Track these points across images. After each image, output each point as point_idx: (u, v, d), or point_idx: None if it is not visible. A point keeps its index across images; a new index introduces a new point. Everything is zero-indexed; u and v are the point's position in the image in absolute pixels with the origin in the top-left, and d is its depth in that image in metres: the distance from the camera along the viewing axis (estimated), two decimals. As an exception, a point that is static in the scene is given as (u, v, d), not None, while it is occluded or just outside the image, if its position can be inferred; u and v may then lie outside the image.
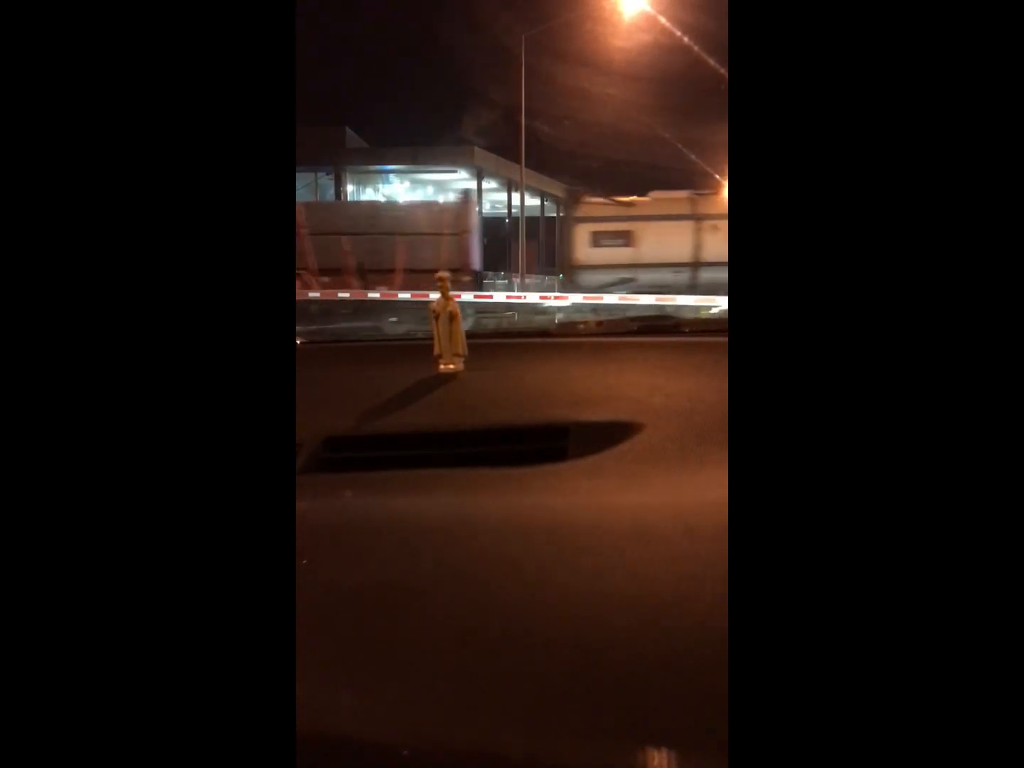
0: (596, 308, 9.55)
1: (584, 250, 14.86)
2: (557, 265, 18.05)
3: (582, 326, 1.49)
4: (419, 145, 21.76)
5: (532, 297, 10.70)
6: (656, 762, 0.38)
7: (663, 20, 16.64)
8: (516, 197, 19.11)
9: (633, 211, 14.69)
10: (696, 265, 14.24)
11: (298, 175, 17.37)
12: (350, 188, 21.78)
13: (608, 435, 0.86)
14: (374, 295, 10.88)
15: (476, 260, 14.99)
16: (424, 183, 23.69)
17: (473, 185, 21.36)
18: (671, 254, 14.16)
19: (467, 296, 9.87)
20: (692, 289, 12.15)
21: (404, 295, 10.44)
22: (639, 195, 15.05)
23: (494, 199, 23.69)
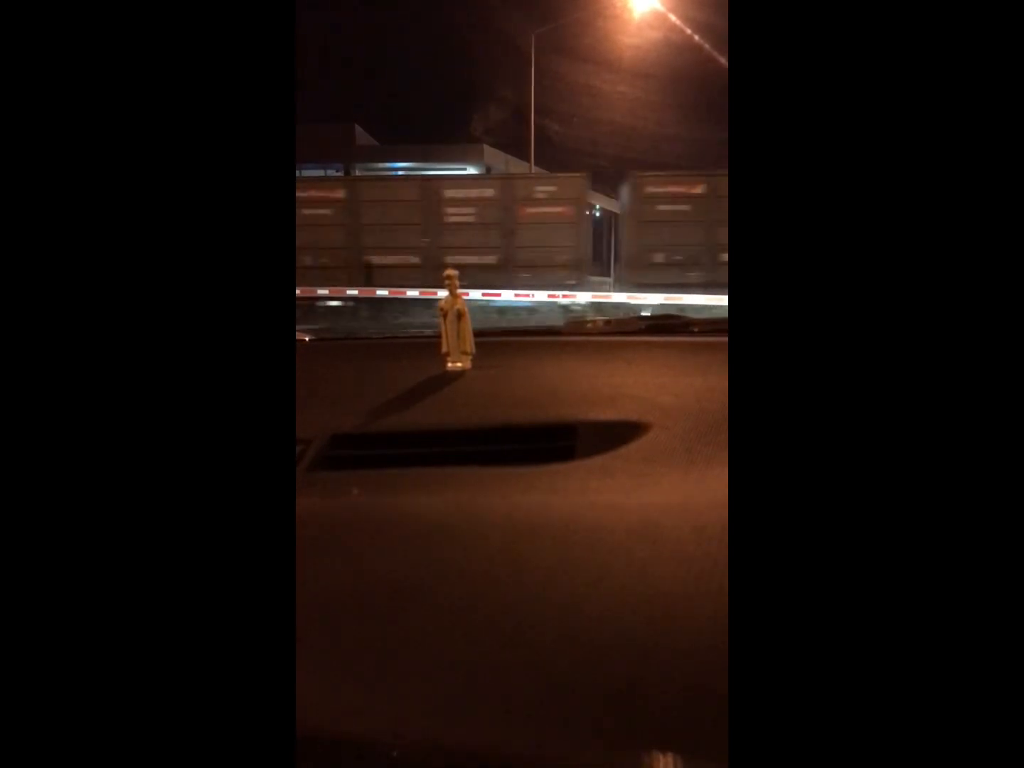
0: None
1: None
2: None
3: (590, 325, 1.49)
4: (428, 142, 21.81)
5: (540, 295, 10.67)
6: (659, 762, 0.38)
7: (673, 17, 16.62)
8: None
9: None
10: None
11: (308, 172, 17.47)
12: (359, 185, 21.83)
13: (616, 434, 0.86)
14: (382, 292, 10.87)
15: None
16: (433, 180, 23.71)
17: (481, 183, 21.33)
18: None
19: (475, 294, 9.84)
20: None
21: (412, 292, 10.44)
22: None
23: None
